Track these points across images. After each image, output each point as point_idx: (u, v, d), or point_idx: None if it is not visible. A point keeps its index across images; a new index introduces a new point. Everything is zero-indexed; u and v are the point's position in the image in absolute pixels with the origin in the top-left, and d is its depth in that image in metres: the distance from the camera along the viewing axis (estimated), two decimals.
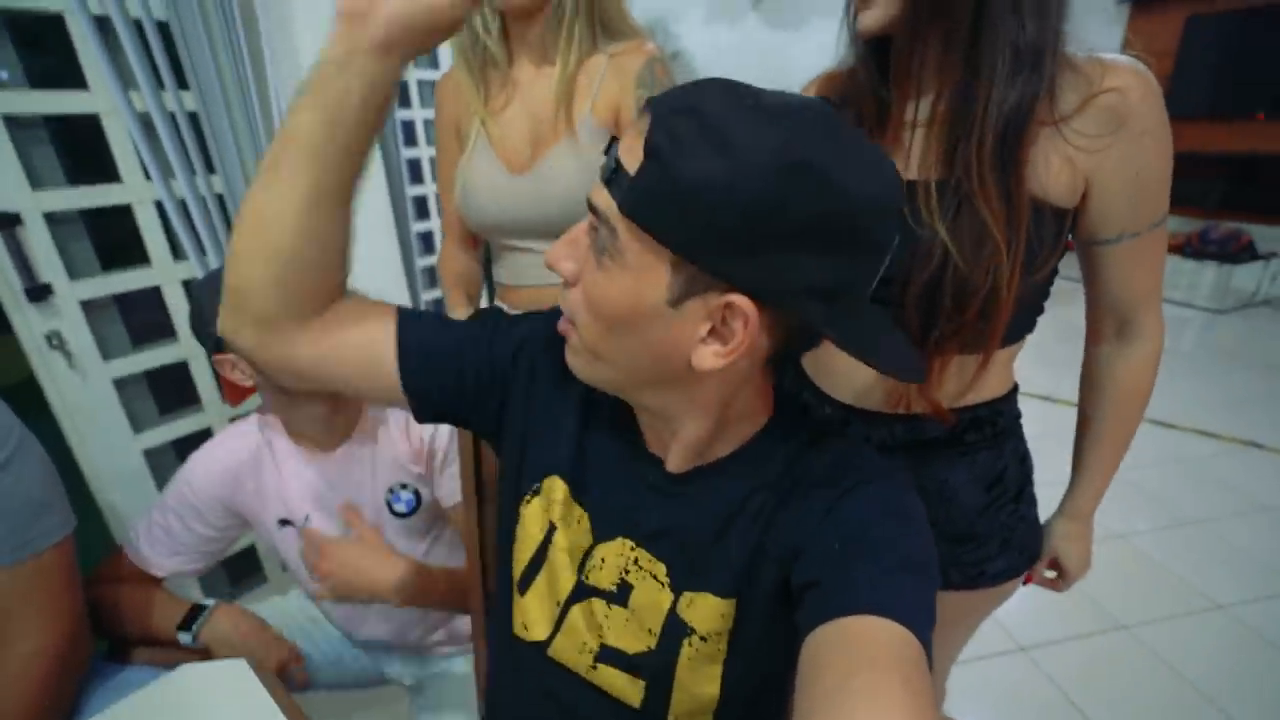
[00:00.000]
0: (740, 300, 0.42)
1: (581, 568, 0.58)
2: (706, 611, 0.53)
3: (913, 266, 0.59)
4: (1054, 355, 0.70)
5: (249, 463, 0.93)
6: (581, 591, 0.58)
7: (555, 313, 0.55)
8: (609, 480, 0.58)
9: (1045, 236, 0.59)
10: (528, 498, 0.61)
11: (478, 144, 0.98)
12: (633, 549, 0.56)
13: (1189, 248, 4.16)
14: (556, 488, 0.59)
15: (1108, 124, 0.56)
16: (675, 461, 0.54)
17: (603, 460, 0.59)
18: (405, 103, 2.64)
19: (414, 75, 2.62)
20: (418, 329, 0.55)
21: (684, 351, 0.45)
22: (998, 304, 0.58)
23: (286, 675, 0.95)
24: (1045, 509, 0.80)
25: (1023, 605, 0.83)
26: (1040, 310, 0.67)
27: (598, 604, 0.57)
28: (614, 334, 0.46)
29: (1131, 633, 1.63)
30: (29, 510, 0.71)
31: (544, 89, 0.94)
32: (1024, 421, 0.75)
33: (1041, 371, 1.81)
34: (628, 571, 0.56)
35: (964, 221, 0.57)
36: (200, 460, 0.93)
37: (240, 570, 1.68)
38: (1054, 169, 0.57)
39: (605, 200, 0.43)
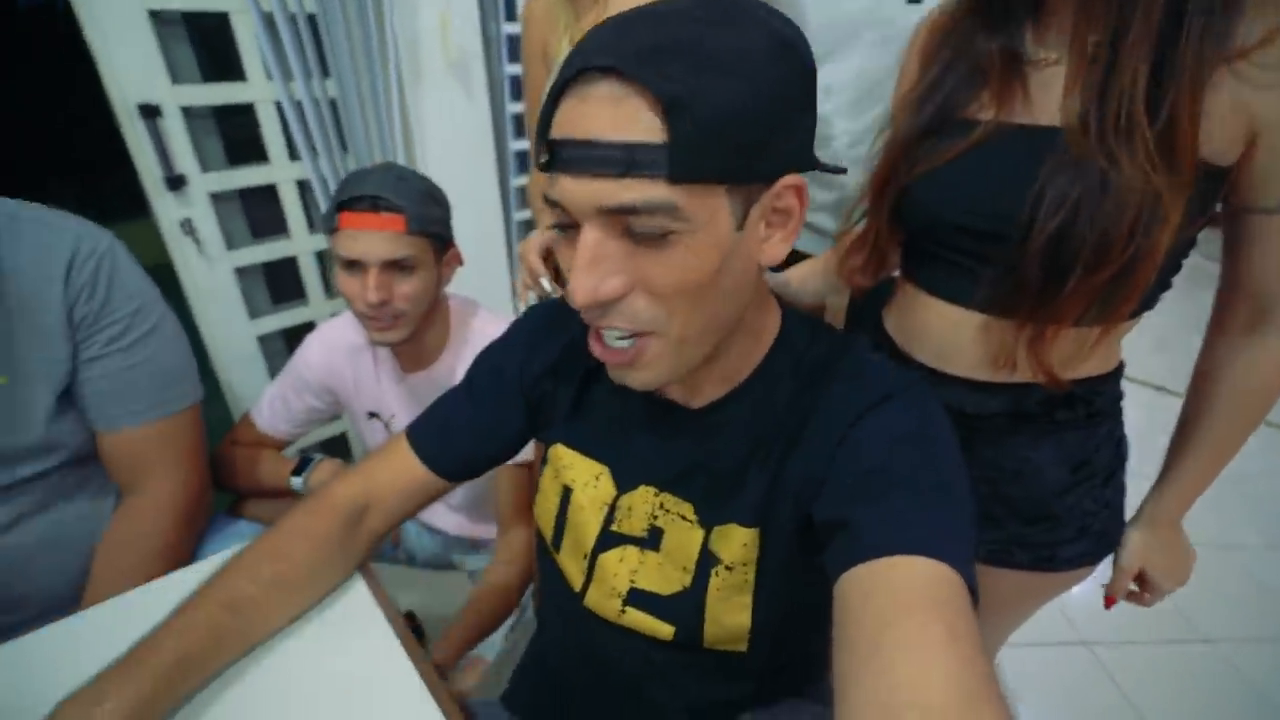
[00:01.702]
0: (789, 180, 0.43)
1: (610, 519, 0.59)
2: (732, 541, 0.54)
3: (1035, 215, 0.53)
4: (1176, 342, 0.61)
5: (353, 352, 1.02)
6: (609, 540, 0.59)
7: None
8: (621, 433, 0.59)
9: (1195, 196, 0.51)
10: (541, 469, 0.66)
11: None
12: (656, 494, 0.57)
13: None
14: (561, 454, 0.62)
15: None
16: (704, 396, 0.54)
17: (612, 417, 0.60)
18: (511, 16, 2.60)
19: None
20: (429, 442, 0.65)
21: (754, 262, 0.45)
22: (1143, 265, 0.51)
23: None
24: (1136, 506, 0.73)
25: (1089, 595, 0.77)
26: (1169, 285, 0.59)
27: (630, 550, 0.59)
28: (707, 300, 0.44)
29: (1215, 647, 1.52)
30: (169, 375, 0.80)
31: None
32: (1128, 410, 0.68)
33: (1157, 358, 1.63)
34: (656, 517, 0.57)
35: (1120, 167, 0.50)
36: (315, 339, 1.04)
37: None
38: (1217, 116, 0.49)
39: (640, 190, 0.38)
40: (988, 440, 0.67)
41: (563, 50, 0.95)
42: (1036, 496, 0.67)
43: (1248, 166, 0.52)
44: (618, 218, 0.40)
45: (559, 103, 0.40)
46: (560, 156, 0.40)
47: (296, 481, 0.99)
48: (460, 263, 0.97)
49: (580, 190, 0.39)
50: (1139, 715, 1.36)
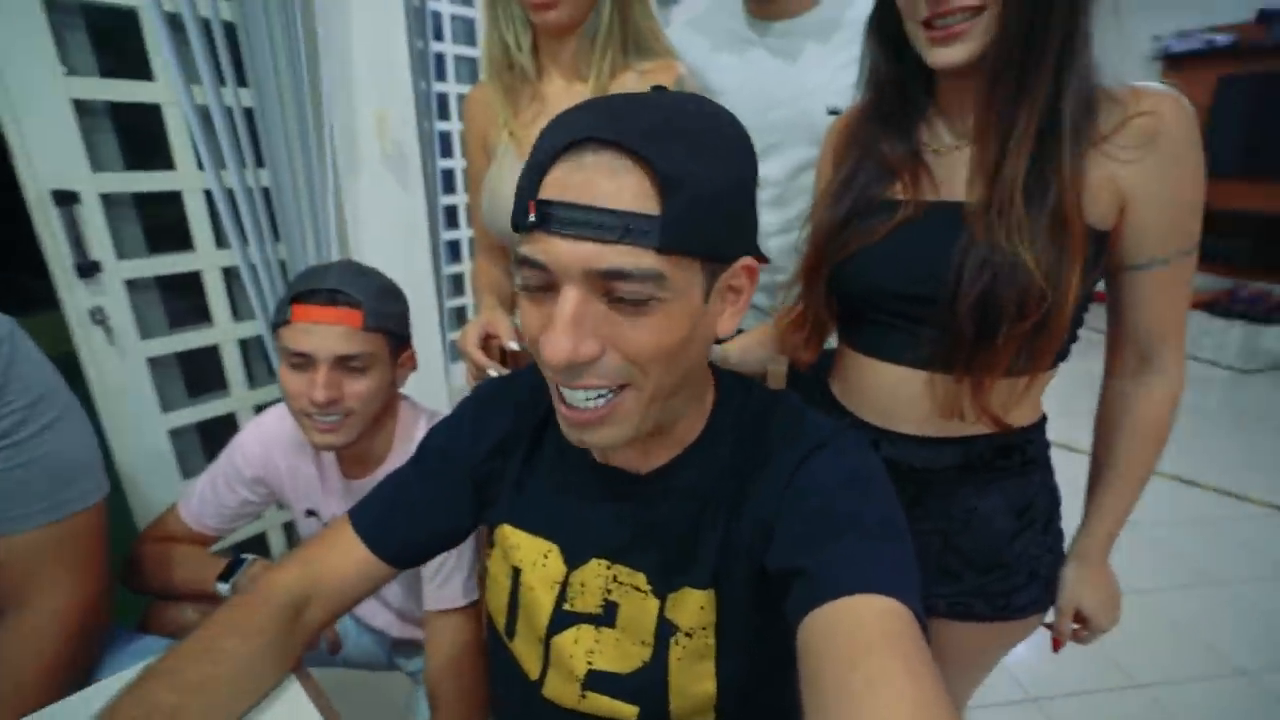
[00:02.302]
0: (746, 261, 0.48)
1: (563, 598, 0.58)
2: (689, 606, 0.53)
3: (960, 280, 0.60)
4: (1074, 405, 0.70)
5: (293, 448, 0.96)
6: (563, 620, 0.58)
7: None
8: (568, 507, 0.59)
9: (1089, 256, 0.60)
10: (489, 552, 0.64)
11: (506, 156, 1.00)
12: (609, 567, 0.57)
13: (1218, 306, 4.09)
14: (508, 535, 0.61)
15: (1142, 141, 0.58)
16: (653, 460, 0.56)
17: (556, 491, 0.60)
18: (445, 115, 2.73)
19: (454, 89, 2.71)
20: (374, 525, 0.62)
21: (712, 334, 0.49)
22: (1057, 315, 0.59)
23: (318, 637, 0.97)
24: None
25: (1034, 655, 0.80)
26: (1076, 337, 0.67)
27: (585, 630, 0.57)
28: (676, 363, 0.46)
29: (1148, 692, 1.58)
30: (69, 472, 0.73)
31: (573, 103, 0.97)
32: None
33: (1060, 421, 1.79)
34: (609, 590, 0.57)
35: (1035, 232, 0.58)
36: (251, 431, 0.97)
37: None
38: (1093, 189, 0.59)
39: (631, 257, 0.40)
40: (937, 494, 0.71)
41: (501, 141, 0.99)
42: (986, 545, 0.71)
43: (1119, 231, 0.62)
44: (602, 281, 0.42)
45: (548, 169, 0.42)
46: (553, 217, 0.41)
47: (223, 587, 0.89)
48: (414, 366, 0.94)
49: (571, 251, 0.41)
50: None
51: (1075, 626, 0.77)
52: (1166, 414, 0.68)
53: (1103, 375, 0.73)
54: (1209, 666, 1.66)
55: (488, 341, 0.96)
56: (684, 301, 0.44)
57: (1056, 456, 0.76)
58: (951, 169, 0.66)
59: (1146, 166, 0.58)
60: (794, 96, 0.96)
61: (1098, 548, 0.74)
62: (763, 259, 0.50)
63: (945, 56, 0.60)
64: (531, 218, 0.42)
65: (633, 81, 0.94)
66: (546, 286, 0.44)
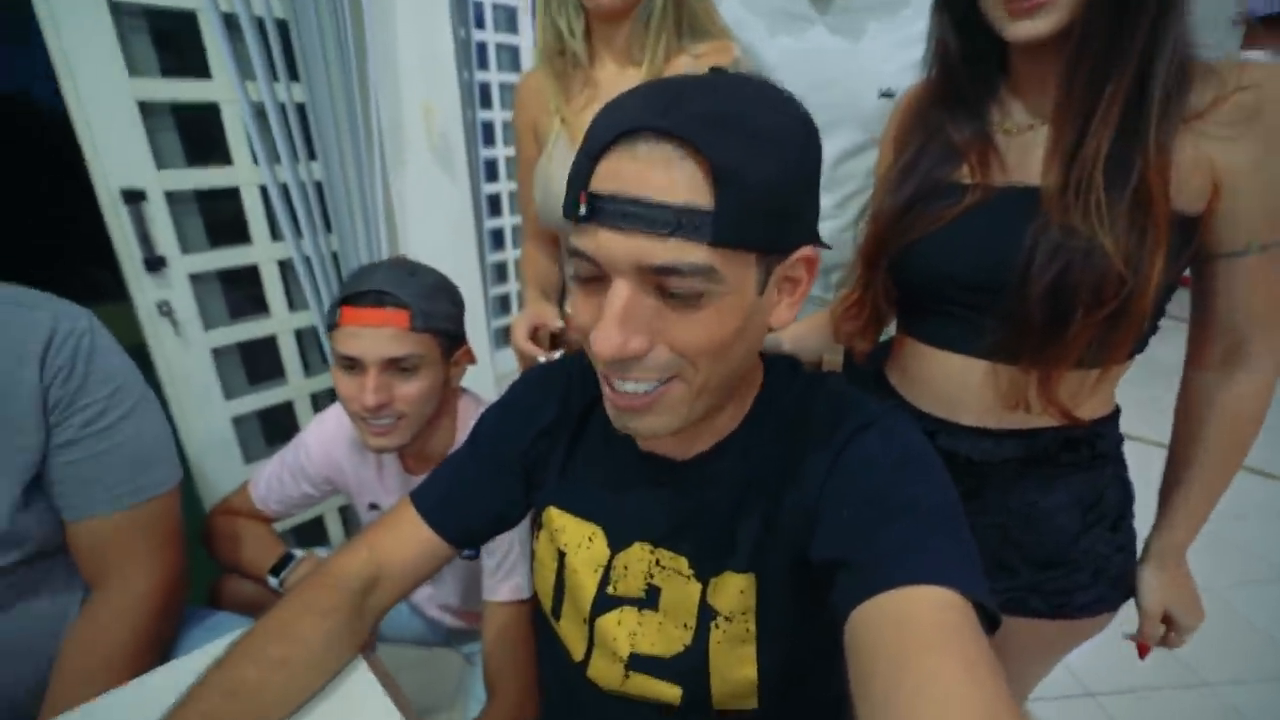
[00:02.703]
0: (805, 251, 0.46)
1: (606, 581, 0.59)
2: (729, 590, 0.53)
3: (1029, 267, 0.57)
4: (1133, 394, 0.67)
5: (353, 446, 0.98)
6: (606, 603, 0.59)
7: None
8: (612, 491, 0.59)
9: (1173, 242, 0.56)
10: (536, 534, 0.65)
11: (558, 144, 0.99)
12: (651, 551, 0.57)
13: None
14: (554, 517, 0.62)
15: (1243, 118, 0.54)
16: (692, 449, 0.55)
17: (601, 475, 0.60)
18: (486, 103, 2.74)
19: (495, 78, 2.72)
20: (436, 507, 0.64)
21: (766, 325, 0.48)
22: (1136, 304, 0.56)
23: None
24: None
25: (1090, 647, 0.77)
26: (1156, 329, 0.64)
27: (628, 612, 0.58)
28: (728, 357, 0.46)
29: (1216, 691, 1.51)
30: (146, 459, 0.77)
31: (627, 89, 0.96)
32: None
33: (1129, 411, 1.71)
34: (652, 575, 0.57)
35: (1114, 215, 0.55)
36: (316, 430, 0.99)
37: (306, 535, 1.77)
38: (1184, 169, 0.55)
39: (683, 251, 0.40)
40: (996, 487, 0.68)
41: (553, 128, 0.99)
42: (1048, 542, 0.69)
43: (1212, 215, 0.58)
44: (653, 276, 0.41)
45: (600, 158, 0.42)
46: (604, 210, 0.41)
47: (273, 581, 0.93)
48: (473, 361, 0.93)
49: (622, 245, 0.40)
50: None
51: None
52: (1259, 407, 0.64)
53: (1185, 366, 0.69)
54: (1275, 666, 1.58)
55: (536, 332, 0.97)
56: (737, 295, 0.43)
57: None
58: (1024, 151, 0.63)
59: (1246, 146, 0.54)
60: (846, 76, 0.93)
61: (1178, 548, 0.70)
62: (825, 246, 0.48)
63: (1027, 30, 0.56)
64: (582, 210, 0.42)
65: (687, 65, 0.93)
66: (598, 278, 0.43)
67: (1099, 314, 0.56)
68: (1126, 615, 0.75)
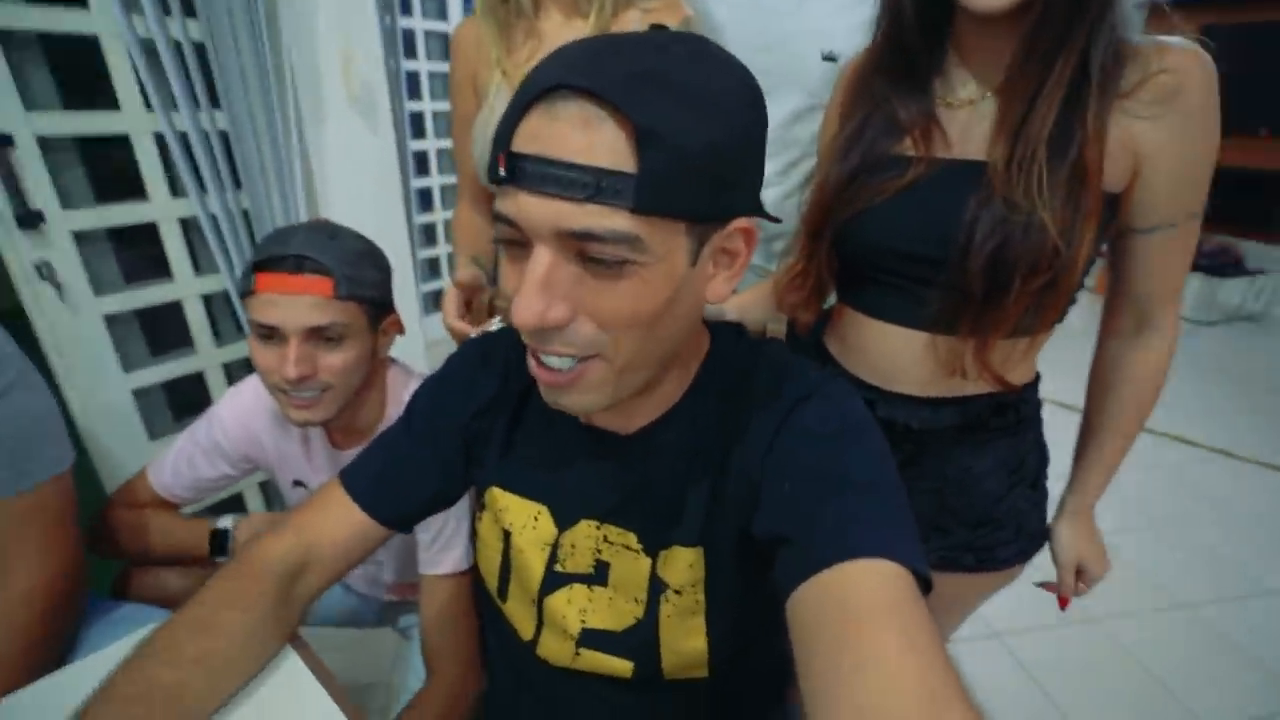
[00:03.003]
0: (741, 222, 0.44)
1: (554, 559, 0.58)
2: (678, 564, 0.53)
3: (970, 240, 0.59)
4: (1047, 357, 0.73)
5: (275, 420, 0.91)
6: (555, 580, 0.58)
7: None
8: (556, 468, 0.58)
9: (1101, 218, 0.59)
10: (480, 515, 0.63)
11: (499, 97, 0.94)
12: (598, 527, 0.56)
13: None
14: (498, 497, 0.60)
15: (1163, 98, 0.57)
16: (636, 422, 0.54)
17: (544, 453, 0.59)
18: (411, 53, 2.57)
19: (420, 25, 2.54)
20: (368, 487, 0.61)
21: (701, 299, 0.46)
22: (1067, 276, 0.58)
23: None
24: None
25: (999, 593, 0.83)
26: (1074, 299, 0.67)
27: (578, 589, 0.57)
28: (653, 331, 0.43)
29: (1101, 626, 1.68)
30: (28, 441, 0.68)
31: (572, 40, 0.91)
32: None
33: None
34: (600, 550, 0.56)
35: (1054, 190, 0.57)
36: (231, 403, 0.91)
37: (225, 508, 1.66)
38: (1112, 149, 0.58)
39: (603, 217, 0.38)
40: (933, 453, 0.71)
41: (494, 80, 0.93)
42: (978, 504, 0.73)
43: (1131, 192, 0.61)
44: (574, 242, 0.39)
45: (521, 118, 0.39)
46: (523, 172, 0.38)
47: (223, 559, 0.87)
48: (401, 330, 0.88)
49: (540, 209, 0.38)
50: (1052, 702, 1.48)
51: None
52: (1163, 370, 0.69)
53: (1100, 334, 0.73)
54: (1156, 600, 1.78)
55: (470, 304, 0.93)
56: (664, 266, 0.41)
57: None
58: (966, 125, 0.64)
59: (1166, 125, 0.57)
60: (789, 38, 0.91)
61: (1089, 503, 0.76)
62: (769, 218, 0.47)
63: (991, 2, 0.55)
64: (501, 171, 0.40)
65: (635, 20, 0.89)
66: (521, 243, 0.41)
67: (1034, 284, 0.58)
68: (1034, 563, 0.80)
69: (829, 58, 0.89)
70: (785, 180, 1.01)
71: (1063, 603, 0.81)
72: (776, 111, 0.93)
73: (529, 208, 0.39)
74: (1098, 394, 0.73)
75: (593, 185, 0.37)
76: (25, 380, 0.69)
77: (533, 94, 0.38)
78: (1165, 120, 0.57)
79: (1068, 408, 0.77)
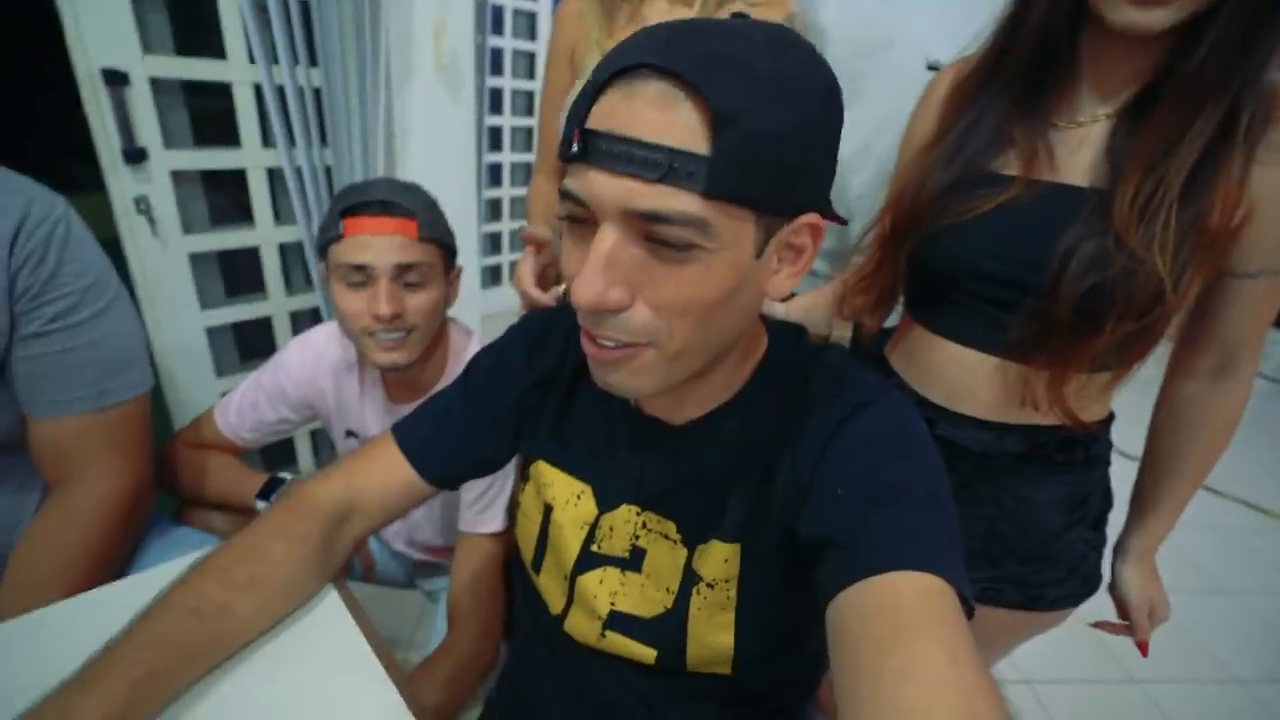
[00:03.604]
0: (810, 218, 0.43)
1: (591, 539, 0.58)
2: (714, 558, 0.53)
3: (1064, 269, 0.56)
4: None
5: (337, 370, 0.95)
6: (590, 561, 0.58)
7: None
8: (603, 451, 0.58)
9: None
10: (522, 486, 0.64)
11: None
12: (639, 514, 0.56)
13: None
14: (544, 471, 0.61)
15: None
16: (687, 413, 0.54)
17: (594, 433, 0.59)
18: (498, 29, 2.61)
19: (510, 3, 2.58)
20: (419, 444, 0.61)
21: (762, 293, 0.45)
22: (1164, 319, 0.56)
23: (353, 557, 1.00)
24: None
25: (1034, 639, 0.80)
26: (1163, 336, 0.64)
27: (610, 572, 0.57)
28: (711, 321, 0.43)
29: (1142, 688, 1.60)
30: (117, 361, 0.73)
31: None
32: None
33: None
34: (638, 536, 0.56)
35: (1160, 231, 0.54)
36: (297, 350, 0.95)
37: (274, 458, 1.74)
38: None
39: (673, 199, 0.37)
40: (991, 479, 0.69)
41: (591, 60, 0.94)
42: (1032, 536, 0.70)
43: (1237, 236, 0.57)
44: (641, 223, 0.38)
45: (599, 94, 0.39)
46: (595, 149, 0.38)
47: (262, 505, 0.90)
48: (461, 280, 0.92)
49: (611, 187, 0.38)
50: None
51: (1125, 623, 0.76)
52: (1239, 415, 0.66)
53: (1170, 376, 0.70)
54: (1206, 671, 1.67)
55: (545, 272, 0.93)
56: (730, 254, 0.40)
57: None
58: (1073, 148, 0.61)
59: None
60: (890, 45, 0.88)
61: (1153, 546, 0.73)
62: (837, 219, 0.45)
63: (1150, 20, 0.51)
64: (574, 148, 0.39)
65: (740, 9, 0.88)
66: (586, 221, 0.41)
67: (1128, 326, 0.55)
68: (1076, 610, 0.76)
69: (933, 67, 0.86)
70: (859, 181, 0.98)
71: (1144, 647, 0.76)
72: (866, 116, 0.91)
73: (599, 185, 0.38)
74: (1169, 435, 0.70)
75: (665, 165, 0.36)
76: (120, 303, 0.74)
77: (611, 71, 0.38)
78: None
79: (1124, 455, 0.73)
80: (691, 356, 0.45)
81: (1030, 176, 0.61)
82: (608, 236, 0.39)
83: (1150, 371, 0.69)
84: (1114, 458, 0.72)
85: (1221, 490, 2.51)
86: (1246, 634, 1.81)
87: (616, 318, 0.41)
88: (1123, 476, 0.74)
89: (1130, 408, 0.73)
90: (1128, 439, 0.74)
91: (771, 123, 0.37)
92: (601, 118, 0.38)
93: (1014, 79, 0.62)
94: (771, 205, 0.40)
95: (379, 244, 0.77)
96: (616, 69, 0.38)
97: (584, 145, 0.39)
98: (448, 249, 0.85)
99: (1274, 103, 0.53)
